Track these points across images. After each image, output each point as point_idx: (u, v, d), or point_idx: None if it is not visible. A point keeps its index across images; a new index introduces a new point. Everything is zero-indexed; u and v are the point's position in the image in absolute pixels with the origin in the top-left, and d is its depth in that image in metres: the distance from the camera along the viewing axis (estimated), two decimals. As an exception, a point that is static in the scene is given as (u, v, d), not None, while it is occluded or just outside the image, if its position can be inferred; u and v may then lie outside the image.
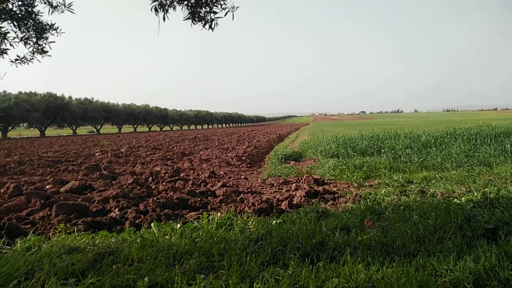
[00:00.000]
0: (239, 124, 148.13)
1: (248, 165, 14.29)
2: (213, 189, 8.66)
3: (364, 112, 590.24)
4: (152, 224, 5.26)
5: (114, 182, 9.95)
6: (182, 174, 11.24)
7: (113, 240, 4.65)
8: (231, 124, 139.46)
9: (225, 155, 17.91)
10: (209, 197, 7.89)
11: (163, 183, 9.44)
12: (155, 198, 7.27)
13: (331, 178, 10.49)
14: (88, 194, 8.22)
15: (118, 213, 6.36)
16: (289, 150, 17.79)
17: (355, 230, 4.74)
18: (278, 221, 5.35)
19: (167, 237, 4.70)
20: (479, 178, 8.89)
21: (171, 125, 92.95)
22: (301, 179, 10.01)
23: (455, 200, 6.43)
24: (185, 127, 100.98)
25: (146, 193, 8.17)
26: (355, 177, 10.06)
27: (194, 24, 5.32)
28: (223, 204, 7.21)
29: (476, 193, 6.76)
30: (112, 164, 14.55)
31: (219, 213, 6.05)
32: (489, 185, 7.81)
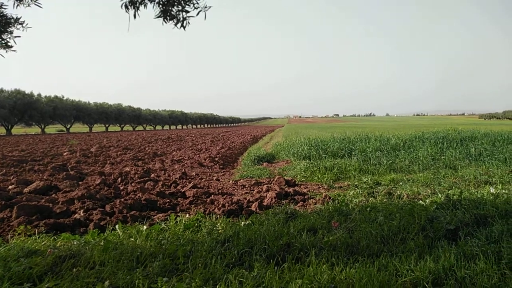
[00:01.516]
0: (214, 125, 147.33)
1: (221, 166, 14.22)
2: (183, 190, 8.56)
3: (337, 115, 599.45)
4: (117, 226, 5.13)
5: (81, 182, 9.68)
6: (152, 175, 11.05)
7: (75, 243, 4.52)
8: (206, 125, 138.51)
9: (198, 156, 17.75)
10: (179, 199, 7.78)
11: (132, 184, 9.25)
12: (122, 199, 7.11)
13: (302, 179, 10.57)
14: (53, 195, 7.95)
15: (82, 214, 6.17)
16: (262, 152, 17.83)
17: (322, 231, 4.78)
18: (247, 222, 5.34)
19: (132, 239, 4.60)
20: (444, 181, 9.17)
21: (144, 125, 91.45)
22: (273, 180, 10.04)
23: (420, 201, 6.60)
24: (159, 127, 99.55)
25: (114, 194, 7.98)
26: (325, 178, 10.18)
27: (166, 22, 5.24)
28: (193, 205, 7.12)
29: (440, 195, 6.96)
30: (80, 164, 14.15)
31: (187, 215, 5.98)
32: (453, 187, 8.08)
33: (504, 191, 7.20)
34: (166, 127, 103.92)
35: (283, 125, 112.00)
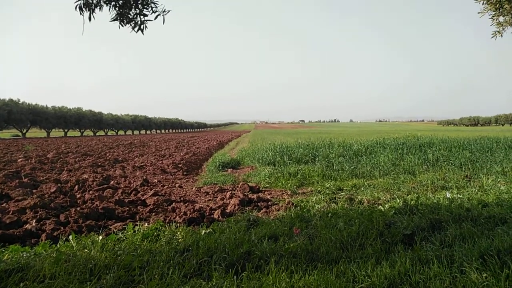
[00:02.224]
0: (179, 130, 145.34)
1: (185, 173, 13.99)
2: (143, 198, 8.32)
3: (303, 121, 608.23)
4: (70, 237, 4.89)
5: (35, 191, 9.20)
6: (112, 182, 10.70)
7: (24, 255, 4.25)
8: (170, 130, 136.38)
9: (161, 162, 17.40)
10: (138, 207, 7.56)
11: (90, 192, 8.89)
12: (78, 208, 6.82)
13: (267, 185, 10.57)
14: (4, 204, 7.51)
15: (34, 224, 5.85)
16: (227, 158, 17.73)
17: (283, 238, 4.76)
18: (208, 230, 5.24)
19: (86, 250, 4.39)
20: (403, 186, 9.45)
21: (106, 130, 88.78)
22: (237, 187, 9.98)
23: (380, 207, 6.74)
24: (121, 132, 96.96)
25: (70, 202, 7.65)
26: (289, 184, 10.23)
27: (122, 26, 5.09)
28: (153, 213, 6.94)
29: (398, 200, 7.14)
30: (35, 171, 13.48)
31: (146, 224, 5.80)
32: (412, 192, 8.33)
33: (459, 195, 7.50)
34: (129, 132, 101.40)
35: (249, 130, 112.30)
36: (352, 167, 12.47)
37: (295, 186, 10.03)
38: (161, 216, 6.55)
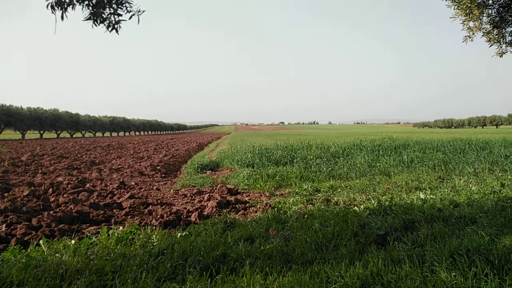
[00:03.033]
0: (159, 132, 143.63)
1: (163, 175, 13.84)
2: (119, 201, 8.18)
3: (283, 122, 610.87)
4: (41, 241, 4.77)
5: (6, 194, 8.92)
6: (88, 185, 10.49)
7: (-9, 262, 4.12)
8: (150, 132, 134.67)
9: (139, 164, 17.16)
10: (114, 210, 7.43)
11: (65, 195, 8.69)
12: (51, 212, 6.65)
13: (245, 187, 10.57)
14: (-28, 209, 7.26)
15: (4, 229, 5.68)
16: (206, 160, 17.64)
17: (259, 240, 4.77)
18: (184, 233, 5.20)
19: (58, 255, 4.29)
20: (378, 187, 9.59)
21: (83, 132, 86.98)
22: (215, 189, 9.93)
23: (355, 208, 6.84)
24: (99, 134, 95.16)
25: (43, 206, 7.45)
26: (267, 186, 10.25)
27: (96, 25, 5.00)
28: (129, 216, 6.83)
29: (373, 201, 7.26)
30: (7, 174, 13.08)
31: (121, 227, 5.71)
32: (386, 193, 8.47)
33: (432, 196, 7.67)
34: (107, 134, 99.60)
35: (230, 132, 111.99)
36: (330, 169, 12.60)
37: (273, 188, 10.06)
38: (137, 219, 6.46)
